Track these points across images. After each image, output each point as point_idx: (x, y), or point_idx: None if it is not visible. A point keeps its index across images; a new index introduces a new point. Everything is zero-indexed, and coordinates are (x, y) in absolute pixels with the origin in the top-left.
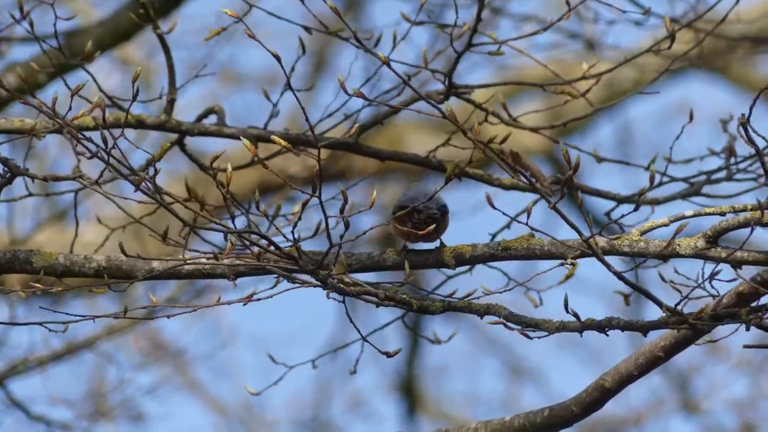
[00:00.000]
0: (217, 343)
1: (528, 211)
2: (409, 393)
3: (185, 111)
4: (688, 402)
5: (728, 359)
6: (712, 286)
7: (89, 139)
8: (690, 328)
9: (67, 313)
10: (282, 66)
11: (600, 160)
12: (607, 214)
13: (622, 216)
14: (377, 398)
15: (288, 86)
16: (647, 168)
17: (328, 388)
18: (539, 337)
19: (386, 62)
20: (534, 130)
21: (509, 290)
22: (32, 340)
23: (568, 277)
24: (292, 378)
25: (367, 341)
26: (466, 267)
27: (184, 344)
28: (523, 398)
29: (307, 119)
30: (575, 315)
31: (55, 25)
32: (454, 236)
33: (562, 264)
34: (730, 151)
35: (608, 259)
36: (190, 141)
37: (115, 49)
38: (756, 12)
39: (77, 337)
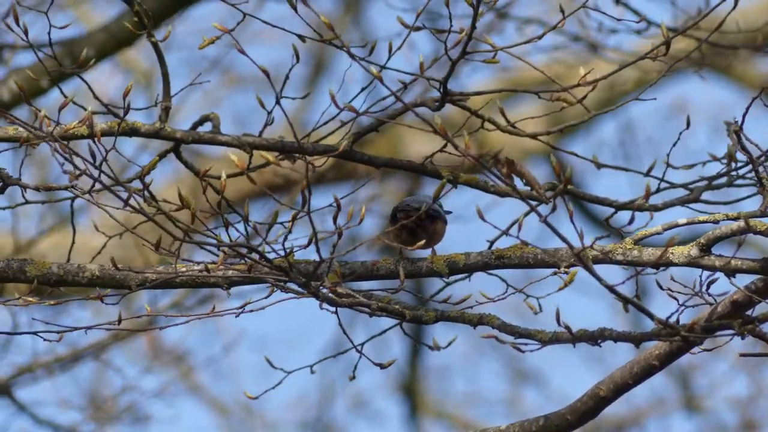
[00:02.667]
0: (220, 346)
1: (519, 223)
2: (411, 394)
3: (188, 111)
4: (689, 400)
5: (729, 357)
6: (709, 294)
7: (77, 154)
8: (682, 341)
9: (58, 325)
10: (270, 81)
11: (599, 166)
12: (606, 220)
13: (622, 227)
14: (380, 398)
15: (277, 102)
16: (647, 174)
17: (331, 389)
18: (531, 351)
19: (378, 77)
20: (531, 136)
21: (503, 298)
22: (36, 346)
23: (567, 284)
24: (295, 379)
25: (360, 353)
26: (462, 276)
27: (187, 347)
28: (524, 399)
29: (295, 136)
30: (567, 328)
31: (49, 33)
32: (456, 242)
33: (555, 273)
34: (730, 157)
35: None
36: (188, 145)
37: (117, 53)
38: (755, 14)
39: (81, 343)
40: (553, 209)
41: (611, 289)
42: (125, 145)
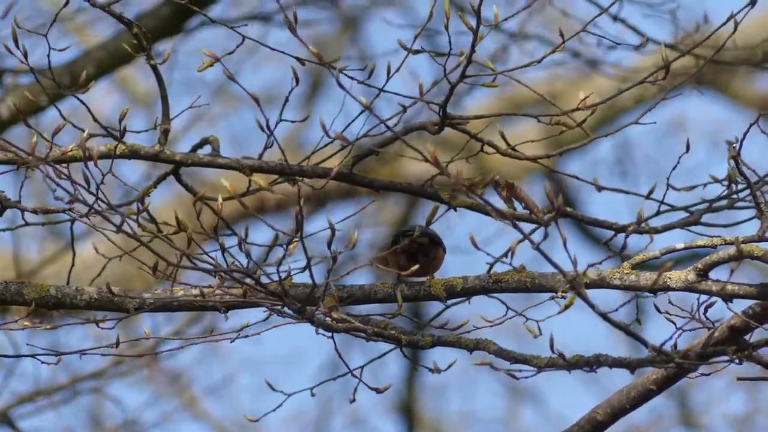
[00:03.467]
0: (220, 369)
1: (512, 250)
2: (408, 412)
3: (189, 131)
4: (686, 417)
5: (726, 374)
6: (707, 317)
7: (71, 179)
8: (677, 368)
9: (53, 351)
10: (260, 108)
11: (600, 189)
12: (606, 243)
13: (620, 250)
14: (377, 417)
15: (271, 131)
16: (647, 196)
17: (328, 407)
18: (526, 377)
19: (368, 107)
20: (531, 159)
21: (502, 322)
22: (38, 373)
23: (565, 308)
24: (293, 397)
25: (359, 379)
26: (461, 300)
27: (187, 372)
28: (521, 418)
29: (286, 161)
30: (561, 355)
31: (48, 56)
32: (456, 266)
33: (552, 298)
34: (730, 179)
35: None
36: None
37: (116, 71)
38: (753, 29)
39: (83, 370)
40: (545, 237)
41: (605, 316)
42: (128, 168)
